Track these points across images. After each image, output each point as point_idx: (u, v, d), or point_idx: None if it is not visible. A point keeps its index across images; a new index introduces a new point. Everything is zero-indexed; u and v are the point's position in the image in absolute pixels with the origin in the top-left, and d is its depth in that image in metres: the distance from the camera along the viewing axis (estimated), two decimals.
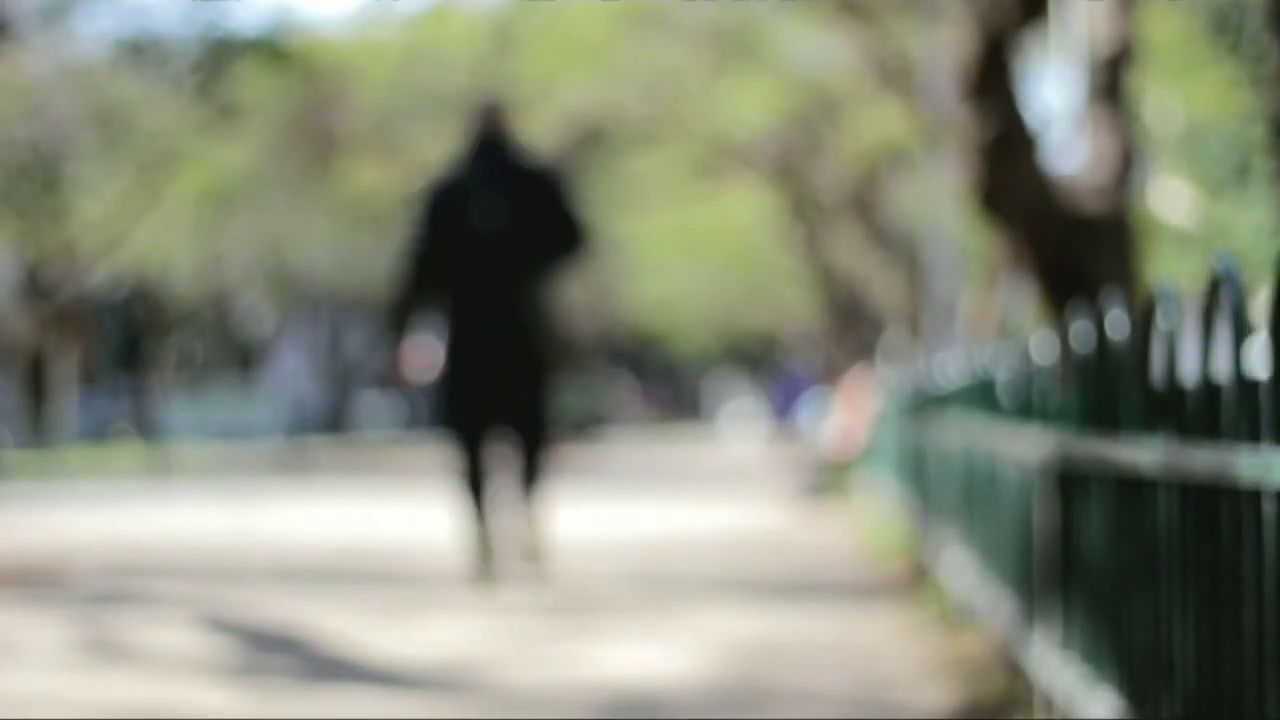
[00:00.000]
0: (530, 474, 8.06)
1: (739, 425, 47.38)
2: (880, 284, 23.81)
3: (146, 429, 35.67)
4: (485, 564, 7.98)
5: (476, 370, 8.00)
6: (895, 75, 19.00)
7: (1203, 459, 2.87)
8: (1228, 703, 2.75)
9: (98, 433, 35.23)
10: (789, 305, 34.85)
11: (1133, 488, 3.43)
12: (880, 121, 20.67)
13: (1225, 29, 17.02)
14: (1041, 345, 4.70)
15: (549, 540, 8.27)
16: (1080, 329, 4.07)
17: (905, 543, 9.27)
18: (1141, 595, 3.34)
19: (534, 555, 8.07)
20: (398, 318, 8.22)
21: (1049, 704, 4.31)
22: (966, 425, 6.49)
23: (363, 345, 46.96)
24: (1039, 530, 4.59)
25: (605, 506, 13.89)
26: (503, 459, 8.13)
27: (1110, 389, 3.67)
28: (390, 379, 10.92)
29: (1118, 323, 3.62)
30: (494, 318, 7.97)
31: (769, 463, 25.11)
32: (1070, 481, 4.17)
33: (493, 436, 8.08)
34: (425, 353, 8.26)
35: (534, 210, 7.92)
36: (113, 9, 27.42)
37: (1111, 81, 9.65)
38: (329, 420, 43.50)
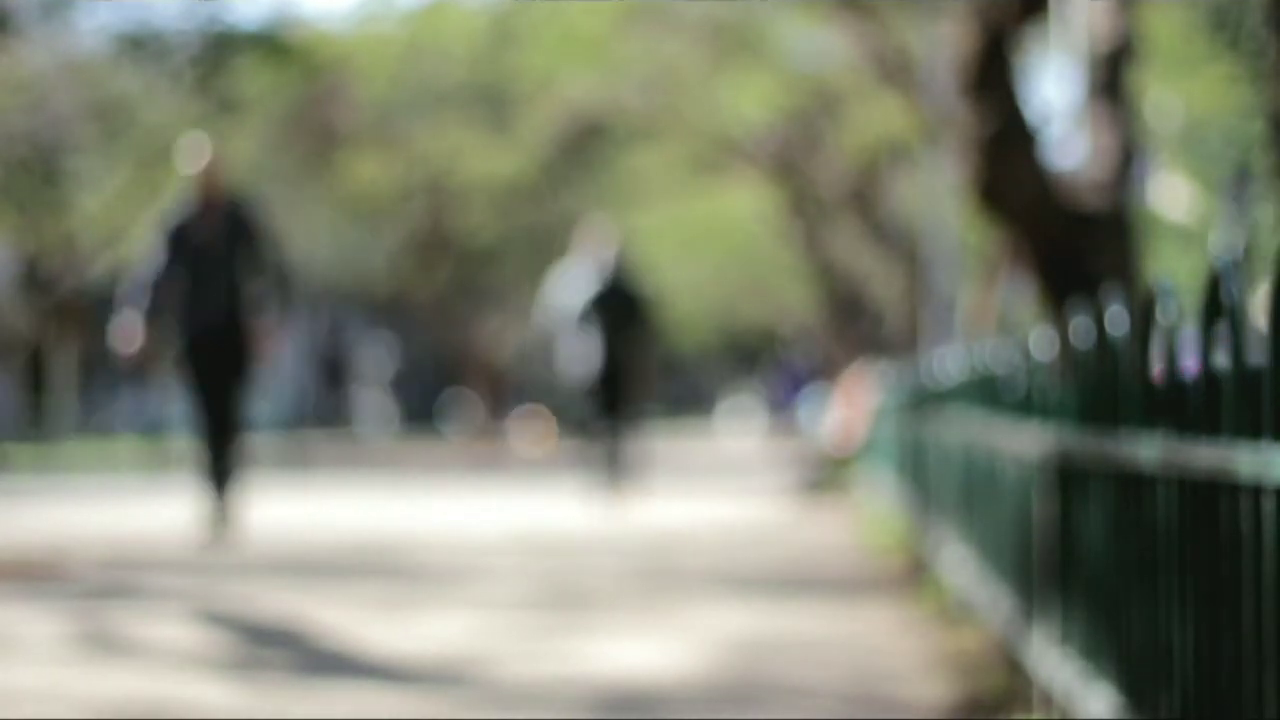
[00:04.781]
0: (626, 443, 14.00)
1: (738, 420, 47.38)
2: (880, 279, 23.80)
3: (147, 423, 35.65)
4: (609, 489, 13.69)
5: (607, 379, 13.80)
6: (895, 71, 18.99)
7: (1202, 455, 2.86)
8: (1226, 699, 2.74)
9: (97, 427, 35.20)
10: (788, 300, 34.84)
11: (1132, 483, 3.42)
12: (880, 117, 20.66)
13: (1224, 25, 17.01)
14: (1041, 341, 4.69)
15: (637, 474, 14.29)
16: (1080, 325, 4.06)
17: (904, 538, 9.27)
18: (1141, 591, 3.34)
19: (621, 488, 13.82)
20: (578, 330, 13.88)
21: (1048, 700, 4.31)
22: (966, 421, 6.48)
23: (362, 340, 46.96)
24: (1038, 526, 4.58)
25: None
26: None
27: (1110, 385, 3.67)
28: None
29: (1117, 318, 3.61)
30: (617, 340, 13.82)
31: (768, 457, 25.11)
32: (1070, 477, 4.16)
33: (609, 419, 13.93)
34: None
35: (634, 297, 13.96)
36: (113, 3, 27.39)
37: (1111, 77, 9.64)
38: (327, 414, 43.50)
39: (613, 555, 9.24)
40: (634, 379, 14.07)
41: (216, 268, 10.35)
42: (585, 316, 13.82)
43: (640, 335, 14.05)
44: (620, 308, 13.87)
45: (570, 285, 14.12)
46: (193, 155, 10.73)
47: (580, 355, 13.88)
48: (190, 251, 10.33)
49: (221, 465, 10.21)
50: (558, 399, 39.56)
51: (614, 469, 13.95)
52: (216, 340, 10.35)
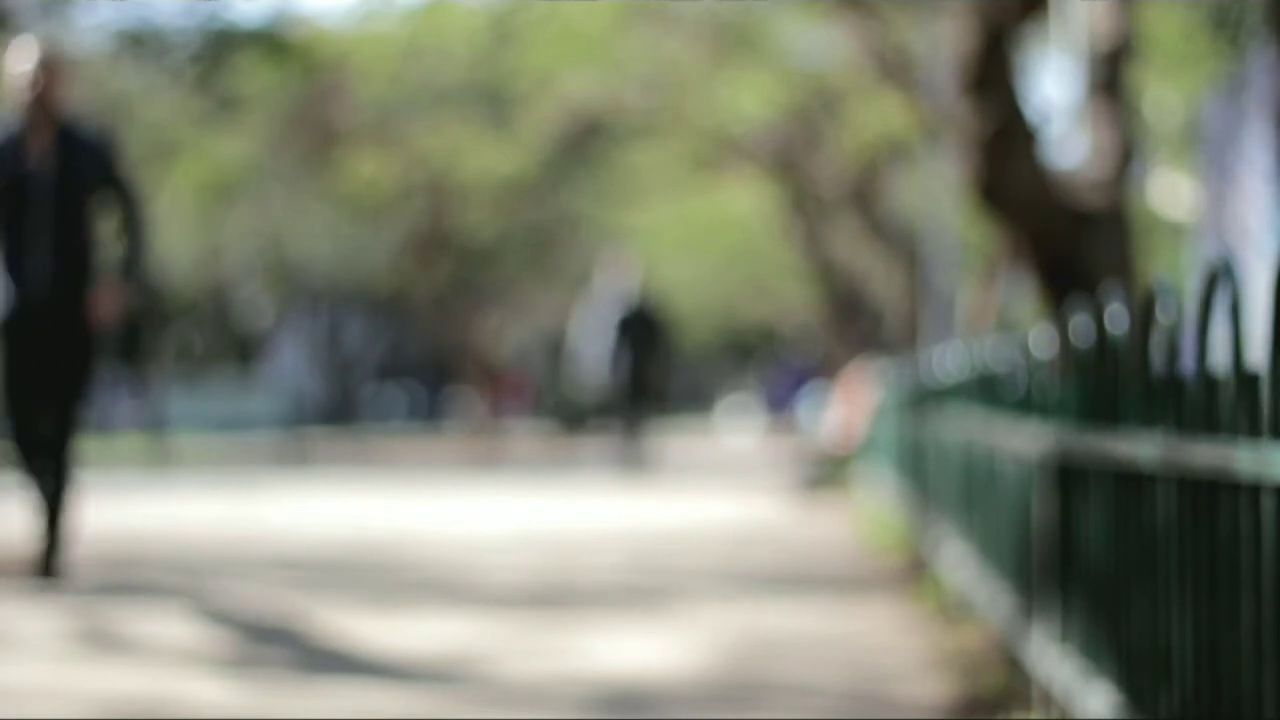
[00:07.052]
0: (644, 441, 17.78)
1: (737, 418, 47.38)
2: (880, 277, 23.80)
3: (148, 421, 35.66)
4: (632, 466, 17.33)
5: (633, 377, 17.32)
6: (895, 69, 18.98)
7: (1202, 453, 2.86)
8: (1226, 697, 2.74)
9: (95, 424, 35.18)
10: (788, 298, 34.84)
11: (1132, 482, 3.42)
12: (880, 115, 20.65)
13: (1224, 23, 17.01)
14: (1041, 339, 4.69)
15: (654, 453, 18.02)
16: (1079, 323, 4.06)
17: (904, 536, 9.27)
18: (1140, 590, 3.34)
19: (639, 478, 16.93)
20: (606, 348, 17.64)
21: (1047, 698, 4.31)
22: (966, 419, 6.48)
23: (362, 337, 46.98)
24: (1038, 524, 4.58)
25: (601, 498, 13.90)
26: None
27: (1109, 383, 3.67)
28: None
29: (1117, 317, 3.61)
30: (641, 355, 17.44)
31: (767, 456, 25.12)
32: (1069, 475, 4.16)
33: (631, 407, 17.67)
34: None
35: (654, 320, 17.78)
36: (112, 1, 27.40)
37: (1111, 76, 9.64)
38: (328, 412, 43.52)
39: (612, 553, 9.24)
40: (651, 389, 17.63)
41: (47, 206, 7.66)
42: (613, 336, 17.39)
43: (658, 352, 17.69)
44: (642, 329, 17.53)
45: (598, 311, 17.71)
46: (19, 56, 7.80)
47: (607, 369, 17.44)
48: (13, 183, 7.67)
49: (48, 475, 7.74)
50: (562, 397, 39.53)
51: (633, 462, 17.34)
52: (44, 304, 7.68)
